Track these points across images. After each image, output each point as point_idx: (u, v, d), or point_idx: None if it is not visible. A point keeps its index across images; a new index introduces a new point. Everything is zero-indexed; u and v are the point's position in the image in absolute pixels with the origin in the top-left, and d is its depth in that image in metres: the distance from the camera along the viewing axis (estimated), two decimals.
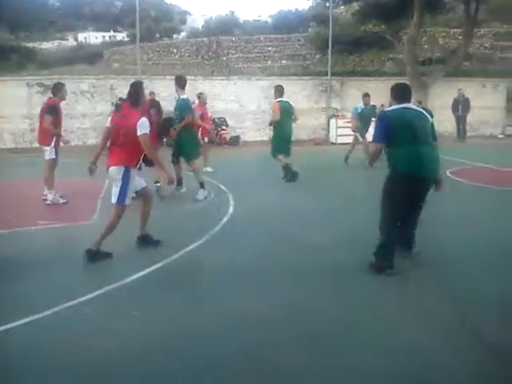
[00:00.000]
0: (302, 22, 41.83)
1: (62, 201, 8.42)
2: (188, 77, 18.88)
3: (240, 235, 6.47)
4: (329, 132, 19.33)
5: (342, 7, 28.59)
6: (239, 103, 19.27)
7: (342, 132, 18.18)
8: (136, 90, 5.87)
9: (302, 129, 20.05)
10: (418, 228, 5.43)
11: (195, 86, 18.24)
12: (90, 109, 17.37)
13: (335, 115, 19.64)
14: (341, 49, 22.89)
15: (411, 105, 5.28)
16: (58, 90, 8.47)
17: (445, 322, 4.03)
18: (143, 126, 5.47)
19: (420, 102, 19.18)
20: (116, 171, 5.60)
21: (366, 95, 11.79)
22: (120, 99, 17.38)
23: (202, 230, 6.50)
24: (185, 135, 8.58)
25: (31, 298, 4.52)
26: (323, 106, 20.36)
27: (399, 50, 23.32)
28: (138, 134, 5.45)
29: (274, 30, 42.29)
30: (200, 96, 11.75)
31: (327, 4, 22.75)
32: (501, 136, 20.74)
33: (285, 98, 10.23)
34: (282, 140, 10.15)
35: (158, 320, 4.08)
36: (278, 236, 6.43)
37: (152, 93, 17.84)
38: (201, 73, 21.65)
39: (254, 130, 19.37)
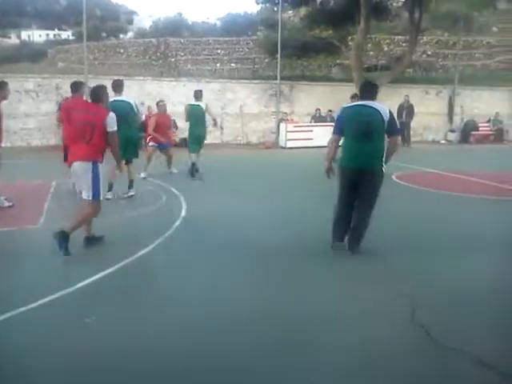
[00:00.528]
0: (250, 26, 41.97)
1: (6, 204, 8.11)
2: (136, 77, 18.88)
3: (193, 238, 6.43)
4: (278, 136, 19.49)
5: (290, 12, 28.91)
6: None
7: (291, 136, 18.40)
8: (98, 88, 5.99)
9: (252, 132, 20.22)
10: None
11: (143, 87, 18.05)
12: (34, 108, 16.86)
13: (285, 119, 19.84)
14: (289, 53, 23.12)
15: (370, 102, 5.64)
16: (0, 88, 8.12)
17: (394, 316, 4.16)
18: (113, 123, 5.66)
19: None
20: (83, 167, 5.62)
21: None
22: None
23: (155, 234, 6.42)
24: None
25: None
26: (273, 109, 20.54)
27: (346, 55, 23.80)
28: (108, 130, 5.62)
29: (222, 33, 42.31)
30: (159, 104, 11.68)
31: (275, 8, 22.94)
32: (443, 142, 21.52)
33: (199, 102, 11.16)
34: (192, 139, 11.28)
35: (111, 326, 3.99)
36: (231, 238, 6.43)
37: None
38: (149, 73, 21.39)
39: None
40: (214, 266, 5.42)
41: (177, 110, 18.01)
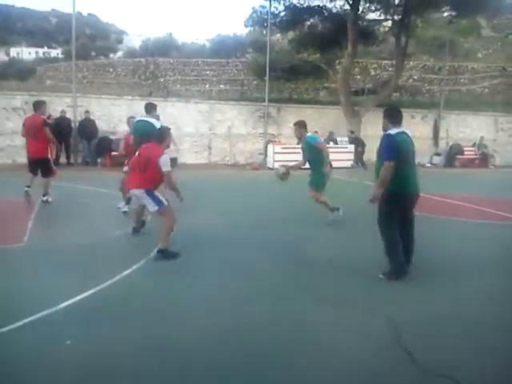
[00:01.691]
0: (239, 48, 42.46)
1: None
2: (125, 97, 18.93)
3: (175, 260, 6.37)
4: (266, 157, 19.57)
5: (279, 35, 29.32)
6: (177, 125, 19.20)
7: (279, 157, 18.46)
8: (164, 131, 6.92)
9: (239, 153, 20.30)
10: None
11: (132, 107, 18.07)
12: (21, 126, 16.72)
13: (272, 141, 19.95)
14: (277, 76, 23.38)
15: (403, 128, 5.80)
16: None
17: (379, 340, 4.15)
18: (165, 164, 6.42)
19: (352, 132, 19.96)
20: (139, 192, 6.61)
21: (301, 124, 10.87)
22: (48, 117, 16.90)
23: (139, 255, 6.37)
24: None
25: None
26: (260, 131, 20.68)
27: (333, 79, 24.10)
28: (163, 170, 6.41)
29: (211, 54, 42.70)
30: (129, 121, 9.77)
31: (264, 31, 23.24)
32: (428, 165, 21.75)
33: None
34: None
35: (92, 348, 3.93)
36: (216, 259, 6.41)
37: (87, 111, 17.56)
38: (138, 93, 21.46)
39: (192, 152, 19.39)
40: (199, 286, 5.39)
41: None
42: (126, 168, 8.83)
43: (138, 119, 8.62)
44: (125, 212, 8.90)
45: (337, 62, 24.44)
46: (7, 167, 15.24)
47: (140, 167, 6.55)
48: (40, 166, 9.73)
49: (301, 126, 8.92)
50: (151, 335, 4.19)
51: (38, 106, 9.17)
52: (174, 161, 17.78)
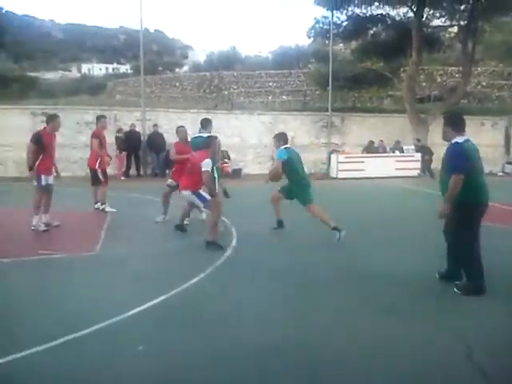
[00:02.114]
0: (302, 58, 42.64)
1: (42, 228, 8.51)
2: (191, 110, 19.40)
3: (243, 268, 6.48)
4: (329, 167, 19.49)
5: (341, 44, 29.20)
6: (241, 137, 19.51)
7: (343, 167, 18.38)
8: (210, 139, 7.71)
9: (303, 163, 20.27)
10: None
11: (197, 120, 18.48)
12: (89, 140, 17.44)
13: (336, 150, 19.85)
14: (340, 85, 23.28)
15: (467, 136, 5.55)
16: (50, 120, 8.84)
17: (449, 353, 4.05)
18: (206, 166, 7.24)
19: (419, 140, 19.54)
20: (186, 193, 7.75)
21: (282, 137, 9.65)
22: (119, 130, 17.58)
23: (206, 263, 6.52)
24: None
25: (29, 331, 4.48)
26: (323, 141, 20.63)
27: (398, 87, 23.72)
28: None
29: (274, 66, 43.04)
30: (178, 130, 9.86)
31: (326, 41, 23.22)
32: (500, 174, 20.93)
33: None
34: None
35: (161, 355, 4.06)
36: (282, 269, 6.45)
37: (155, 125, 18.14)
38: (203, 106, 21.94)
39: (256, 163, 19.58)
40: (267, 295, 5.44)
41: (230, 142, 18.41)
42: (169, 181, 9.19)
43: (195, 135, 8.84)
44: (157, 222, 9.20)
45: (401, 69, 24.05)
46: (80, 179, 15.93)
47: (188, 171, 7.72)
48: (91, 175, 10.46)
49: (278, 138, 8.67)
50: (221, 341, 4.27)
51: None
52: (237, 172, 18.16)
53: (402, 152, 19.39)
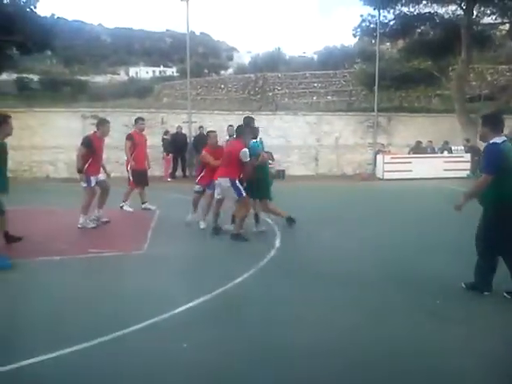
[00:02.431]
0: (347, 58, 42.23)
1: (91, 225, 8.80)
2: (236, 112, 19.53)
3: (287, 269, 6.49)
4: (375, 167, 19.24)
5: (388, 44, 28.77)
6: (285, 138, 19.51)
7: (389, 168, 18.11)
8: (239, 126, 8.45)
9: (347, 164, 20.14)
10: None
11: (241, 121, 18.63)
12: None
13: (382, 151, 19.58)
14: (387, 85, 22.95)
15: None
16: (100, 125, 9.16)
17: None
18: (245, 156, 7.76)
19: (468, 140, 19.03)
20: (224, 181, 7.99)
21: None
22: (165, 133, 17.88)
23: (250, 263, 6.55)
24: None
25: (79, 327, 4.61)
26: (369, 141, 20.38)
27: (446, 86, 23.19)
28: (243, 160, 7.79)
29: (319, 66, 42.78)
30: (229, 129, 10.54)
31: (373, 41, 22.92)
32: None
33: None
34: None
35: (206, 352, 4.11)
36: (325, 270, 6.41)
37: (201, 127, 18.34)
38: (248, 108, 22.03)
39: (300, 164, 19.55)
40: (310, 295, 5.43)
41: (274, 143, 18.43)
42: (197, 187, 9.22)
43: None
44: (188, 224, 9.19)
45: (450, 68, 23.50)
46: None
47: (224, 160, 8.02)
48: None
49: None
50: (265, 341, 4.30)
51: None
52: (281, 173, 18.12)
53: (451, 152, 18.95)
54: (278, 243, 7.78)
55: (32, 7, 19.90)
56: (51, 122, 18.07)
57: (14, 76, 35.47)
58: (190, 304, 5.11)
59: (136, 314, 4.86)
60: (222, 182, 8.00)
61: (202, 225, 8.92)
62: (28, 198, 11.36)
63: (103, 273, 6.38)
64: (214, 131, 9.60)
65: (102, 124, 9.14)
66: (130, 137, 10.64)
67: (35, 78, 37.21)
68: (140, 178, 10.62)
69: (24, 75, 36.25)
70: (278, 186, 12.03)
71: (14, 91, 30.95)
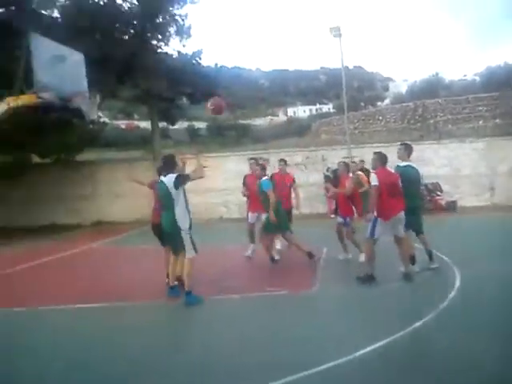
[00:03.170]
0: None
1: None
2: (395, 143, 18.96)
3: (471, 313, 5.97)
4: None
5: None
6: (451, 167, 18.46)
7: None
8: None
9: None
10: None
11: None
12: (303, 180, 17.94)
13: None
14: None
15: None
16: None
17: None
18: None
19: None
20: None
21: None
22: (328, 169, 17.98)
23: (428, 305, 6.17)
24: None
25: (258, 367, 4.68)
26: None
27: None
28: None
29: (482, 88, 40.28)
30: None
31: None
32: None
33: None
34: None
35: None
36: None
37: (362, 161, 18.14)
38: (408, 138, 21.29)
39: (471, 194, 18.24)
40: (494, 347, 4.92)
41: (440, 172, 17.55)
42: (340, 220, 9.44)
43: (404, 164, 8.33)
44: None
45: None
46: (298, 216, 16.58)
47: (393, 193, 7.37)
48: None
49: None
50: None
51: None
52: (452, 204, 17.08)
53: None
54: (457, 282, 7.24)
55: (197, 59, 21.58)
56: (220, 166, 19.20)
57: (185, 124, 38.71)
58: (368, 348, 4.90)
59: (315, 356, 4.81)
60: (400, 217, 7.47)
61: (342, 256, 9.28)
62: (205, 237, 11.98)
63: (281, 312, 6.49)
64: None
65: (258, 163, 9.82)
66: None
67: (203, 125, 40.23)
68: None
69: (193, 123, 39.39)
70: (451, 218, 11.39)
71: (186, 139, 33.73)
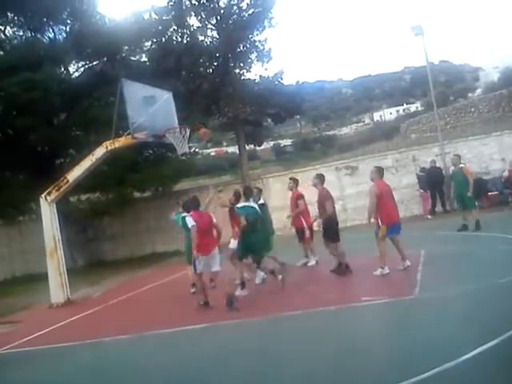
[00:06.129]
0: None
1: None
2: (493, 133, 18.02)
3: None
4: None
5: None
6: None
7: None
8: None
9: None
10: None
11: (502, 142, 17.16)
12: (395, 183, 17.45)
13: None
14: None
15: None
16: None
17: None
18: None
19: None
20: None
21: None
22: (422, 169, 17.40)
23: None
24: None
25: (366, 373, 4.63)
26: None
27: None
28: None
29: None
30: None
31: None
32: None
33: None
34: None
35: None
36: None
37: (433, 161, 17.27)
38: (506, 127, 20.07)
39: None
40: None
41: None
42: None
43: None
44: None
45: None
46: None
47: None
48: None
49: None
50: None
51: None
52: None
53: None
54: None
55: (279, 79, 21.89)
56: (308, 180, 19.16)
57: (271, 143, 39.32)
58: (474, 351, 4.65)
59: (422, 360, 4.69)
60: None
61: None
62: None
63: (381, 320, 6.39)
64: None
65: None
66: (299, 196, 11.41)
67: (288, 141, 40.67)
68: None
69: (279, 141, 39.95)
70: None
71: (272, 157, 34.25)
